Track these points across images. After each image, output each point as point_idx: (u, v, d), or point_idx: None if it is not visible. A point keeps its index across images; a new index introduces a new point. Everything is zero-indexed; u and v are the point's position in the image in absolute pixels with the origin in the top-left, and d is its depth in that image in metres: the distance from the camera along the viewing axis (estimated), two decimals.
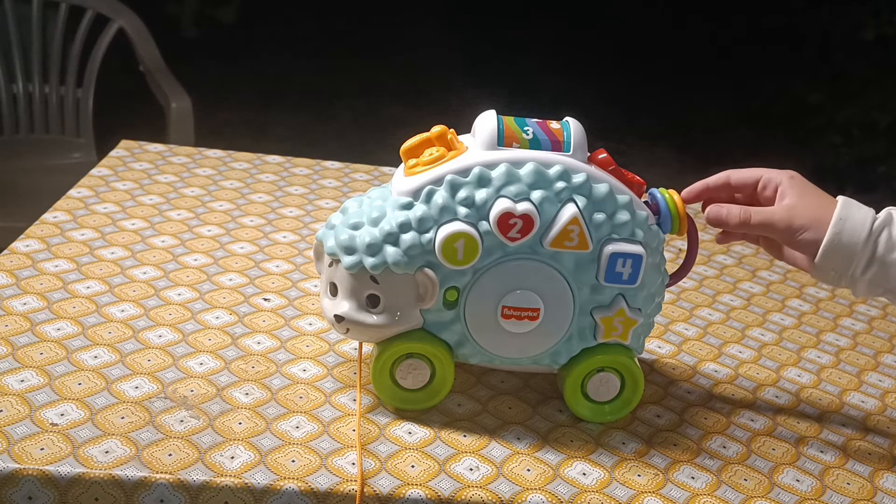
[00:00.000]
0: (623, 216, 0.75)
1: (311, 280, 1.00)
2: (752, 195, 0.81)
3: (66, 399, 0.75)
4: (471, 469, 0.74)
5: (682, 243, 1.22)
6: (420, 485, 0.71)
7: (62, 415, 0.73)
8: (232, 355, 0.85)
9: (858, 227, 0.75)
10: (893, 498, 0.77)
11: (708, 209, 0.79)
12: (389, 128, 2.89)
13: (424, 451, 0.75)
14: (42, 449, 0.69)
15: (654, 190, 0.81)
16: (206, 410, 0.76)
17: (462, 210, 0.73)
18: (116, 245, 1.03)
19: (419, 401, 0.80)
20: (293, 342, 0.88)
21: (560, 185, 0.73)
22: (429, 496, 0.70)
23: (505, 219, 0.72)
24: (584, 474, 0.75)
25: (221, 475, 0.69)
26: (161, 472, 0.68)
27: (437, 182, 0.74)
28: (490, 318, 0.76)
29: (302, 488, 0.69)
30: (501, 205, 0.72)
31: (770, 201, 0.79)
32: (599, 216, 0.74)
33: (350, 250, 0.74)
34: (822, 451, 0.82)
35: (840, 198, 0.77)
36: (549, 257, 0.74)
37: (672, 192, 0.80)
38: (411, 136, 0.77)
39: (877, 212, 0.77)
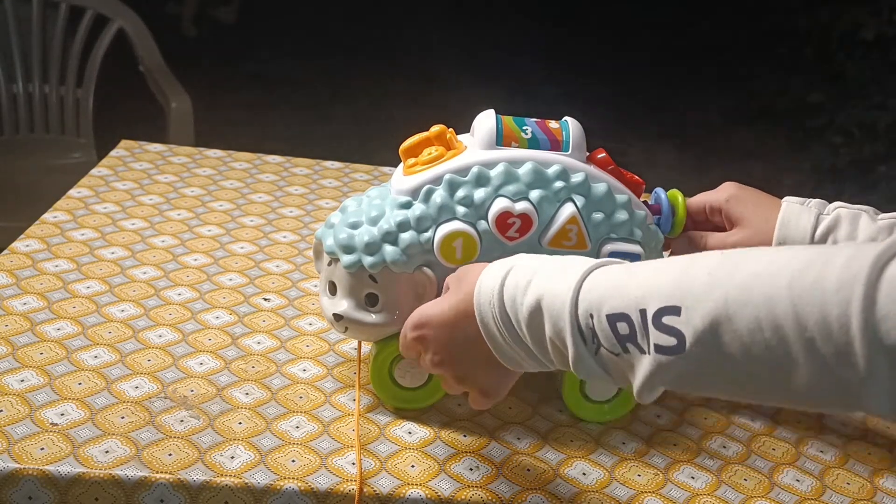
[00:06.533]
0: (621, 216, 0.75)
1: (311, 280, 1.01)
2: (704, 220, 0.85)
3: (66, 399, 0.75)
4: (471, 469, 0.74)
5: None
6: (420, 485, 0.71)
7: (62, 415, 0.73)
8: (232, 355, 0.85)
9: (800, 237, 0.77)
10: (893, 498, 0.77)
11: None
12: (389, 128, 2.90)
13: (424, 451, 0.75)
14: (42, 449, 0.69)
15: (658, 189, 0.82)
16: (206, 410, 0.76)
17: (461, 209, 0.73)
18: (116, 245, 1.03)
19: (418, 399, 0.80)
20: (293, 342, 0.88)
21: (558, 184, 0.73)
22: (429, 496, 0.70)
23: (503, 218, 0.72)
24: (584, 474, 0.75)
25: (221, 475, 0.69)
26: (161, 472, 0.68)
27: (436, 181, 0.74)
28: None
29: (302, 488, 0.69)
30: (500, 204, 0.72)
31: (722, 226, 0.83)
32: (598, 215, 0.74)
33: (349, 249, 0.74)
34: (822, 451, 0.82)
35: (783, 205, 0.79)
36: None
37: (677, 192, 0.81)
38: (411, 136, 0.77)
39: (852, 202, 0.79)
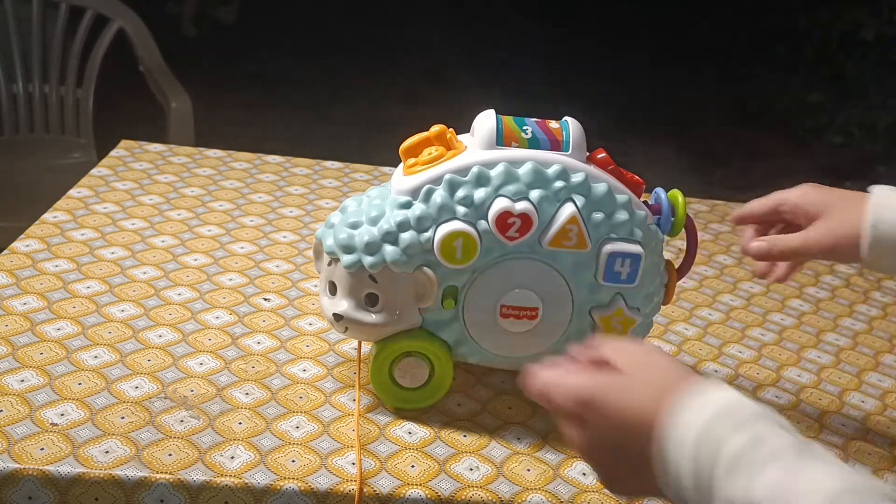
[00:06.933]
0: (621, 216, 0.75)
1: (311, 280, 1.01)
2: (777, 220, 0.81)
3: (66, 399, 0.75)
4: (471, 469, 0.74)
5: (681, 243, 1.22)
6: (420, 485, 0.71)
7: (62, 415, 0.73)
8: (232, 355, 0.85)
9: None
10: None
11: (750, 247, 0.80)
12: (389, 128, 2.89)
13: (424, 451, 0.75)
14: (42, 449, 0.69)
15: (658, 189, 0.81)
16: (206, 410, 0.76)
17: (461, 209, 0.73)
18: (116, 245, 1.03)
19: (418, 399, 0.80)
20: (293, 342, 0.88)
21: (559, 184, 0.73)
22: (429, 496, 0.70)
23: (503, 218, 0.72)
24: (584, 474, 0.75)
25: (221, 475, 0.69)
26: (161, 472, 0.68)
27: (436, 181, 0.74)
28: (489, 318, 0.76)
29: (302, 488, 0.69)
30: (500, 204, 0.72)
31: (797, 225, 0.78)
32: (598, 215, 0.74)
33: (349, 249, 0.74)
34: None
35: (871, 190, 0.75)
36: (548, 256, 0.75)
37: (678, 192, 0.81)
38: (411, 136, 0.77)
39: None
